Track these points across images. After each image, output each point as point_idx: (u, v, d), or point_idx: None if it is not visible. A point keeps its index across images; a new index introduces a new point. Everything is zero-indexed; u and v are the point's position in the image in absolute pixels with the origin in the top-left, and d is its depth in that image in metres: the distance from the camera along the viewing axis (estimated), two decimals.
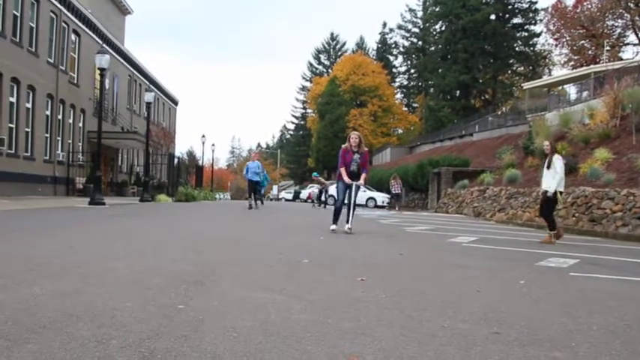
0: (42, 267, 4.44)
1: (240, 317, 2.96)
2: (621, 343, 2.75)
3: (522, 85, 43.54)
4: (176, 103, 49.29)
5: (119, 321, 2.77)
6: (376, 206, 29.65)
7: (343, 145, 9.69)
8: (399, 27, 65.92)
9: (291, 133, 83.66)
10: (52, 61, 24.05)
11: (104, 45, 25.17)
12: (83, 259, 5.08)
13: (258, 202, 19.97)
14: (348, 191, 9.42)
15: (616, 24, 38.03)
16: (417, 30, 64.32)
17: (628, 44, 39.16)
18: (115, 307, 3.06)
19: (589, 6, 37.66)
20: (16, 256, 5.10)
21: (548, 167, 8.95)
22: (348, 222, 9.22)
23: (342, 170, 9.42)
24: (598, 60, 35.01)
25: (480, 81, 51.56)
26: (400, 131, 64.88)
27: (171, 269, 4.56)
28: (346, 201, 9.47)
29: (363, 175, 9.52)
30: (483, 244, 8.45)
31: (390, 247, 7.49)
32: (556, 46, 42.04)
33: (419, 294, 3.96)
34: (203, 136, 42.73)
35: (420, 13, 63.31)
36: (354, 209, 9.49)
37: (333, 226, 9.47)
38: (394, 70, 68.86)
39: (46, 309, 2.96)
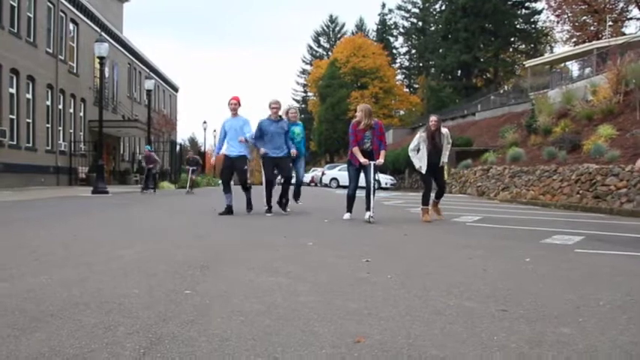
0: (47, 256, 4.46)
1: (247, 301, 2.97)
2: (628, 319, 2.75)
3: (524, 63, 43.13)
4: (176, 90, 49.18)
5: (126, 308, 2.78)
6: (380, 188, 29.64)
7: (354, 120, 8.42)
8: (399, 7, 65.33)
9: None
10: (50, 51, 23.98)
11: (103, 33, 25.03)
12: (88, 247, 5.10)
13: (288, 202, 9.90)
14: (365, 173, 8.20)
15: None
16: (416, 10, 63.70)
17: (631, 19, 38.70)
18: (121, 294, 3.07)
19: None
20: (21, 246, 5.12)
21: (445, 143, 8.80)
22: (368, 209, 7.90)
23: (356, 149, 8.14)
24: (600, 36, 34.65)
25: (482, 60, 51.11)
26: (402, 112, 64.55)
27: (176, 255, 4.57)
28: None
29: (382, 153, 8.20)
30: (488, 223, 8.44)
31: (395, 228, 7.49)
32: (557, 22, 41.55)
33: (424, 274, 3.96)
34: (204, 122, 42.77)
35: None
36: (373, 193, 8.01)
37: (347, 215, 8.45)
38: (394, 51, 68.35)
39: (53, 297, 2.97)
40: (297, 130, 9.80)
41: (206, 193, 21.47)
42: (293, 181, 9.89)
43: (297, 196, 10.32)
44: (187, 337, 2.31)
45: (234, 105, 9.32)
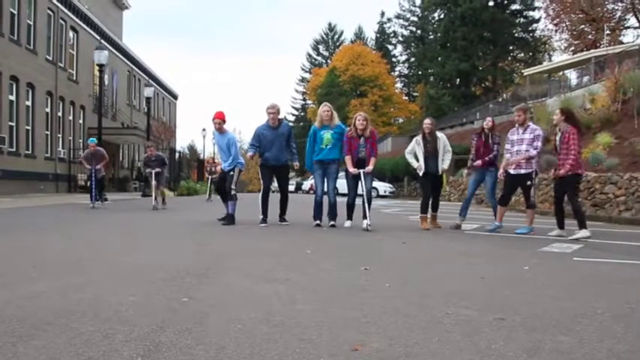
0: (45, 263, 4.46)
1: (245, 309, 2.96)
2: (625, 326, 2.75)
3: (523, 71, 43.31)
4: (176, 98, 49.23)
5: (124, 315, 2.77)
6: (378, 196, 29.65)
7: (346, 130, 8.49)
8: (397, 16, 65.44)
9: (292, 124, 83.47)
10: (50, 58, 24.03)
11: (102, 41, 25.11)
12: (86, 254, 5.10)
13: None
14: (359, 182, 8.24)
15: (616, 7, 37.67)
16: (415, 19, 63.85)
17: (628, 27, 38.84)
18: (119, 301, 3.07)
19: None
20: (20, 253, 5.12)
21: (442, 148, 8.70)
22: (365, 217, 7.97)
23: (348, 158, 8.29)
24: (598, 44, 34.76)
25: (480, 68, 51.24)
26: (401, 120, 64.64)
27: (174, 262, 4.57)
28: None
29: (372, 160, 8.26)
30: (486, 231, 8.43)
31: (393, 236, 7.48)
32: (556, 31, 41.70)
33: (422, 282, 3.96)
34: (203, 130, 42.69)
35: (418, 1, 62.86)
36: (369, 201, 8.10)
37: (348, 223, 8.55)
38: (393, 59, 68.48)
39: (51, 305, 2.96)
40: (327, 135, 8.57)
41: (203, 199, 20.90)
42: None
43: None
44: (184, 345, 2.31)
45: (218, 124, 8.91)
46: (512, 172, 7.96)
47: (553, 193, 8.60)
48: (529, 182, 7.99)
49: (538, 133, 7.84)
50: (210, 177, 21.98)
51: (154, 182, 13.86)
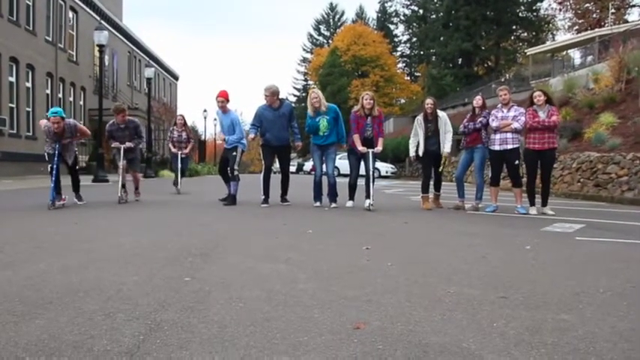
0: (47, 244, 4.46)
1: (247, 288, 2.96)
2: (628, 305, 2.74)
3: (526, 51, 42.97)
4: (177, 78, 49.00)
5: (126, 295, 2.78)
6: (380, 176, 29.65)
7: (355, 108, 8.42)
8: None
9: (293, 105, 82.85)
10: (50, 39, 23.87)
11: (102, 21, 24.87)
12: (88, 235, 5.11)
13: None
14: (365, 161, 8.26)
15: None
16: None
17: (634, 6, 38.53)
18: (121, 281, 3.07)
19: None
20: (22, 233, 5.13)
21: (443, 128, 8.67)
22: (368, 197, 7.98)
23: (356, 137, 8.21)
24: (603, 23, 34.44)
25: (483, 48, 50.87)
26: (403, 101, 64.37)
27: (176, 243, 4.57)
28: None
29: (380, 140, 8.29)
30: (485, 211, 8.42)
31: (395, 216, 7.49)
32: (560, 10, 41.40)
33: (424, 261, 3.96)
34: (205, 111, 42.39)
35: None
36: (373, 181, 8.12)
37: (350, 203, 8.61)
38: (395, 39, 67.93)
39: (53, 285, 2.97)
40: (324, 122, 8.56)
41: (204, 180, 21.02)
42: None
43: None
44: (186, 324, 2.31)
45: (222, 103, 8.83)
46: (497, 148, 8.13)
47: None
48: (517, 162, 8.15)
49: (522, 111, 8.17)
50: (178, 153, 12.75)
51: (121, 162, 9.41)
